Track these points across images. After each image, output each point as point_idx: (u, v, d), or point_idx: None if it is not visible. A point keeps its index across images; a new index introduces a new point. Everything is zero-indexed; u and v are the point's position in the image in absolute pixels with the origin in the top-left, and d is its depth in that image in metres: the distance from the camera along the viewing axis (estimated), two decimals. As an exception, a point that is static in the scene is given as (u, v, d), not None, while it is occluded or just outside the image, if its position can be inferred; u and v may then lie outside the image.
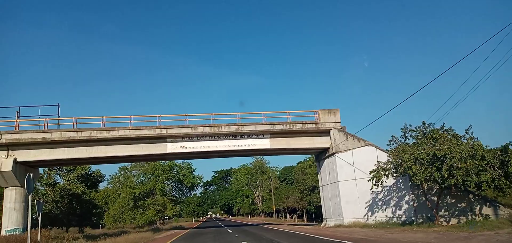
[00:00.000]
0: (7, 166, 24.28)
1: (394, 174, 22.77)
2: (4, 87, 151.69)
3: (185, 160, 61.87)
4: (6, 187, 25.35)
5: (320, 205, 43.49)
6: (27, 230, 14.83)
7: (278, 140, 28.64)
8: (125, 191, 52.06)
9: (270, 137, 28.49)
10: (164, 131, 26.93)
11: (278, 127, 28.10)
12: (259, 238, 18.71)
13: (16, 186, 25.10)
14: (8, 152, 25.06)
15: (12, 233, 23.15)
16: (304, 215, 57.90)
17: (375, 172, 22.44)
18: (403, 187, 25.14)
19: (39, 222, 15.18)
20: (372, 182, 22.33)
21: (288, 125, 28.30)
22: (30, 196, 13.88)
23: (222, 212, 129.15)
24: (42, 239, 15.91)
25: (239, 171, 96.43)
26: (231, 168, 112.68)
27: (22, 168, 25.54)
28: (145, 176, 59.51)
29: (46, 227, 27.58)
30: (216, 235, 24.41)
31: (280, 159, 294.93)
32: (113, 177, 60.40)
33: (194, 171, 66.74)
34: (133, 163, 56.89)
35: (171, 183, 62.79)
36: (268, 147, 28.63)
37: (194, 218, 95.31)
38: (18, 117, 26.02)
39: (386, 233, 17.92)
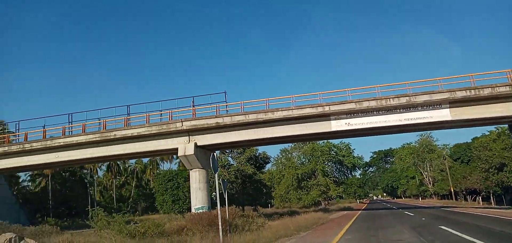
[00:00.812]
0: (190, 150, 26.81)
1: None
2: (179, 79, 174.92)
3: (343, 140, 60.10)
4: (190, 169, 28.11)
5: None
6: (215, 208, 15.47)
7: (461, 109, 24.27)
8: (289, 172, 53.26)
9: (449, 107, 24.37)
10: (326, 108, 25.70)
11: (460, 94, 23.75)
12: (463, 225, 15.46)
13: (199, 168, 27.57)
14: (189, 137, 27.67)
15: (200, 210, 25.41)
16: (491, 197, 49.30)
17: None
18: None
19: (226, 200, 15.77)
20: None
21: (472, 90, 23.67)
22: (216, 175, 14.33)
23: (384, 194, 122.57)
24: (230, 216, 16.50)
25: (403, 150, 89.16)
26: (391, 148, 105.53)
27: (202, 152, 27.91)
28: (305, 158, 59.95)
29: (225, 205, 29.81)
30: (396, 217, 22.00)
31: (450, 136, 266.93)
32: (276, 159, 62.82)
33: (353, 151, 64.31)
34: (292, 145, 57.89)
35: (332, 164, 61.75)
36: (449, 118, 24.51)
37: (358, 200, 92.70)
38: (193, 105, 28.55)
39: None
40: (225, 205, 16.50)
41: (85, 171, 61.29)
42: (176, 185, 48.19)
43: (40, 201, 52.79)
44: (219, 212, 14.66)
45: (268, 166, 59.51)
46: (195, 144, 27.13)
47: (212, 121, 26.89)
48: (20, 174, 55.27)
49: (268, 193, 53.04)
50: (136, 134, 27.45)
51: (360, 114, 25.73)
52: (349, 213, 30.67)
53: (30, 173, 57.29)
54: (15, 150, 29.97)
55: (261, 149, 46.89)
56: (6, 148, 30.13)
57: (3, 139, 31.82)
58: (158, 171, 66.97)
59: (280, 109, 26.38)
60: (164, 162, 70.74)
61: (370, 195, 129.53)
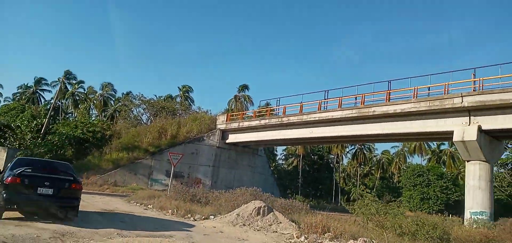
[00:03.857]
0: (471, 134, 20.21)
1: None
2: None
3: None
4: (467, 161, 21.45)
5: None
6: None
7: None
8: None
9: None
10: None
11: None
12: None
13: (480, 161, 20.62)
14: (469, 118, 20.95)
15: (479, 216, 19.15)
16: None
17: None
18: None
19: None
20: None
21: None
22: None
23: None
24: None
25: None
26: None
27: (486, 139, 20.81)
28: None
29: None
30: None
31: None
32: None
33: None
34: None
35: None
36: None
37: None
38: (474, 77, 21.64)
39: None
40: None
41: (332, 156, 62.13)
42: (426, 182, 44.97)
43: (291, 178, 57.10)
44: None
45: None
46: (479, 127, 20.26)
47: (509, 97, 19.23)
48: (276, 152, 61.25)
49: None
50: (399, 111, 22.93)
51: None
52: None
53: (284, 153, 62.80)
54: (274, 123, 31.02)
55: None
56: (266, 121, 31.63)
57: (265, 113, 33.90)
58: (406, 165, 61.51)
59: None
60: (412, 156, 64.35)
61: None
